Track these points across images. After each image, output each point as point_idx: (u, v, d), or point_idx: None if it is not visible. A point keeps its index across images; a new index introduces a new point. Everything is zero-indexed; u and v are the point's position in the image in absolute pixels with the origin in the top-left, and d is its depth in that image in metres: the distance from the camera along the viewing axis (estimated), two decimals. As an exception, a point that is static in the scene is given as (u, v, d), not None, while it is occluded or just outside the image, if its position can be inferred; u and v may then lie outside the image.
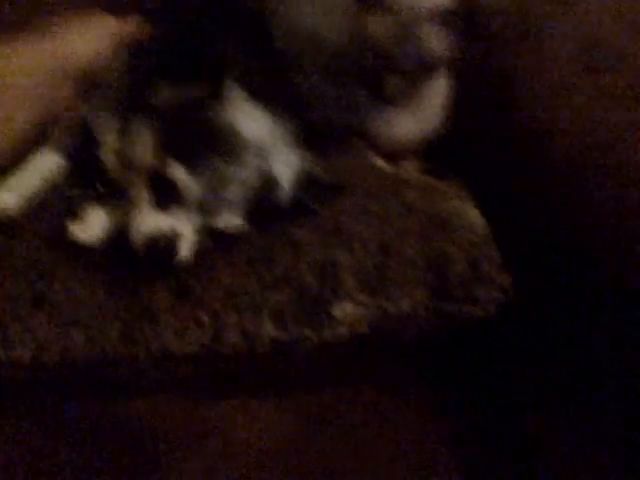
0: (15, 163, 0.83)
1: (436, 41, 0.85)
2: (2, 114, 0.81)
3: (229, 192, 0.72)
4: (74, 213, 0.79)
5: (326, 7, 0.93)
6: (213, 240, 0.76)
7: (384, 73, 0.87)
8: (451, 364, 0.84)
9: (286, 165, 0.78)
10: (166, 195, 0.72)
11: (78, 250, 0.78)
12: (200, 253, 0.75)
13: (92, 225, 0.79)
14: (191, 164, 0.71)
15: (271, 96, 0.80)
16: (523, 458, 0.78)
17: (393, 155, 0.98)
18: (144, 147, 0.75)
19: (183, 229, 0.73)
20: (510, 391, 0.82)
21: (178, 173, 0.71)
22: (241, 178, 0.73)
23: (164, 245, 0.72)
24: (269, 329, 0.74)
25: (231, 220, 0.75)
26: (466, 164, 0.91)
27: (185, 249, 0.74)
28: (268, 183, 0.75)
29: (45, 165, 0.86)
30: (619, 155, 0.71)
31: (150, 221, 0.73)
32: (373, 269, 0.75)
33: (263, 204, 0.76)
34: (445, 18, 0.85)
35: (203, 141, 0.73)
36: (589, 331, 0.74)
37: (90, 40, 0.88)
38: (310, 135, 0.82)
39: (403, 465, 0.79)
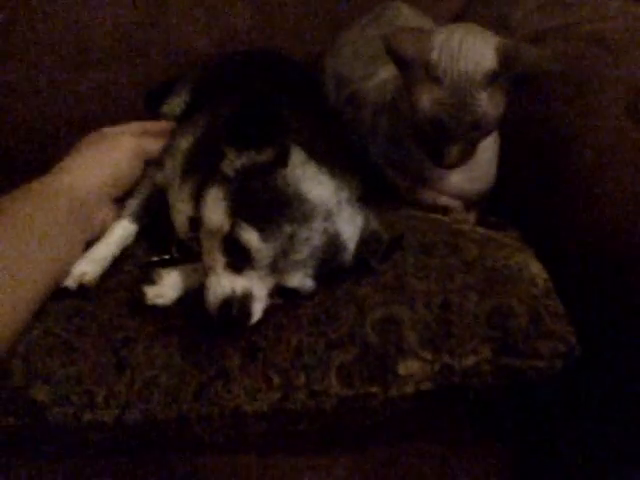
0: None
1: (488, 105, 0.85)
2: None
3: (299, 254, 0.75)
4: (150, 278, 0.84)
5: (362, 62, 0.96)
6: (285, 300, 0.80)
7: (444, 143, 0.88)
8: (518, 419, 0.84)
9: (351, 225, 0.81)
10: (240, 258, 0.76)
11: (156, 314, 0.83)
12: (268, 314, 0.79)
13: (167, 289, 0.84)
14: (262, 228, 0.74)
15: (331, 157, 0.84)
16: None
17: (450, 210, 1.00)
18: (218, 213, 0.78)
19: (256, 291, 0.76)
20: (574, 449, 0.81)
21: (251, 237, 0.74)
22: (310, 241, 0.76)
23: (239, 307, 0.75)
24: (336, 387, 0.76)
25: (302, 281, 0.77)
26: (525, 217, 0.92)
27: (258, 310, 0.77)
28: (335, 244, 0.78)
29: (121, 234, 0.92)
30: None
31: (225, 284, 0.76)
32: (435, 325, 0.77)
33: (331, 264, 0.79)
34: (493, 81, 0.85)
35: (272, 206, 0.76)
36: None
37: (101, 162, 0.92)
38: (369, 193, 0.85)
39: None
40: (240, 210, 0.76)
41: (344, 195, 0.81)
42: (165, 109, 1.21)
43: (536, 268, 0.82)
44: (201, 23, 1.32)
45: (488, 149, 0.98)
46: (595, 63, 0.96)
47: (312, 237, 0.76)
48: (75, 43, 1.27)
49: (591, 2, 1.15)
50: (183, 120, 1.04)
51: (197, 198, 0.84)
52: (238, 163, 0.79)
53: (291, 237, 0.75)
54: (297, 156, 0.80)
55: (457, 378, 0.76)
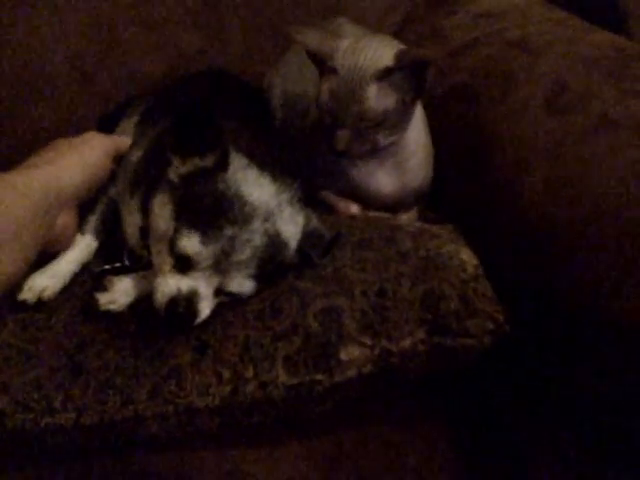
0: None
1: (375, 98, 0.92)
2: None
3: (241, 255, 0.79)
4: (102, 286, 0.88)
5: (307, 77, 1.03)
6: (230, 298, 0.84)
7: (334, 129, 0.96)
8: (460, 397, 0.88)
9: (292, 225, 0.85)
10: (184, 261, 0.80)
11: (108, 320, 0.87)
12: (215, 312, 0.83)
13: (119, 296, 0.88)
14: (204, 232, 0.78)
15: (272, 162, 0.88)
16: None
17: (388, 208, 1.06)
18: (164, 217, 0.82)
19: (202, 290, 0.80)
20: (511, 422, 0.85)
21: (190, 243, 0.78)
22: (251, 242, 0.80)
23: (185, 305, 0.79)
24: (283, 377, 0.80)
25: (244, 283, 0.82)
26: (457, 210, 0.98)
27: (205, 308, 0.81)
28: (277, 244, 0.83)
29: (85, 250, 0.95)
30: (585, 187, 0.76)
31: (171, 284, 0.80)
32: (373, 312, 0.82)
33: (273, 263, 0.83)
34: (385, 77, 0.92)
35: (214, 209, 0.80)
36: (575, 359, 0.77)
37: (81, 163, 0.91)
38: (307, 194, 0.90)
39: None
40: (182, 215, 0.80)
41: (284, 196, 0.85)
42: (118, 132, 1.25)
43: (466, 255, 0.86)
44: (151, 48, 1.36)
45: (416, 154, 1.05)
46: (518, 64, 1.03)
47: (253, 238, 0.80)
48: (28, 73, 1.30)
49: (516, 11, 1.23)
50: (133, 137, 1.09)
51: (145, 207, 0.89)
52: (182, 169, 0.83)
53: (232, 239, 0.79)
54: (238, 161, 0.84)
55: (396, 359, 0.80)
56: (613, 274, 0.70)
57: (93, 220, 0.98)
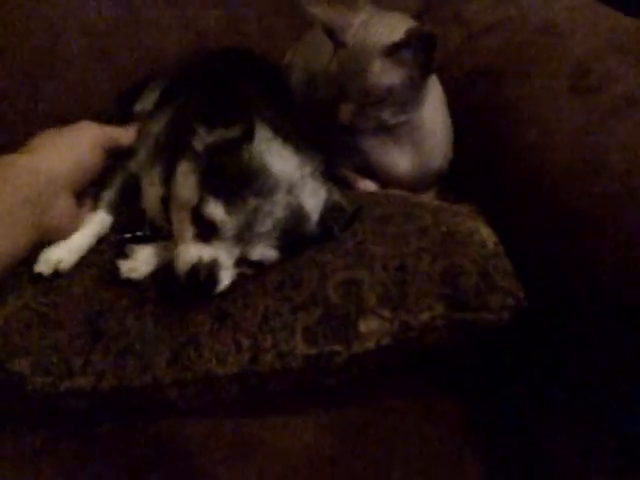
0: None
1: (379, 74, 0.94)
2: None
3: (263, 226, 0.80)
4: (124, 254, 0.89)
5: (327, 56, 1.03)
6: (251, 268, 0.85)
7: (339, 101, 0.97)
8: (478, 374, 0.89)
9: (314, 198, 0.86)
10: (207, 229, 0.81)
11: (130, 287, 0.87)
12: (236, 281, 0.84)
13: (141, 263, 0.89)
14: (228, 201, 0.79)
15: (295, 136, 0.89)
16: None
17: (407, 188, 1.06)
18: (188, 186, 0.83)
19: (223, 259, 0.81)
20: (529, 400, 0.86)
21: (216, 210, 0.79)
22: (273, 213, 0.80)
23: (206, 273, 0.80)
24: (301, 347, 0.81)
25: (266, 252, 0.82)
26: (477, 191, 0.98)
27: (225, 277, 0.82)
28: (299, 216, 0.83)
29: (99, 225, 0.95)
30: (609, 166, 0.77)
31: (193, 252, 0.81)
32: (393, 286, 0.82)
33: (294, 235, 0.84)
34: (392, 54, 0.93)
35: (238, 180, 0.81)
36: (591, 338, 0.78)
37: (71, 148, 0.89)
38: (328, 170, 0.91)
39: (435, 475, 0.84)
40: (208, 184, 0.81)
41: (307, 170, 0.86)
42: (137, 108, 1.25)
43: (486, 233, 0.87)
44: (171, 25, 1.37)
45: (433, 134, 1.06)
46: (542, 48, 1.03)
47: (275, 210, 0.81)
48: (47, 43, 1.30)
49: (538, -5, 1.23)
50: (154, 110, 1.09)
51: (168, 177, 0.89)
52: (208, 139, 0.84)
53: (255, 210, 0.79)
54: (263, 133, 0.85)
55: (414, 333, 0.81)
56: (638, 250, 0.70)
57: (107, 195, 0.98)
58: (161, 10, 1.36)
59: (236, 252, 0.81)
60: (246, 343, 0.82)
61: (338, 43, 0.97)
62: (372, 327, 0.81)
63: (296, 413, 0.87)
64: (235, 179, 0.81)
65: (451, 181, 1.11)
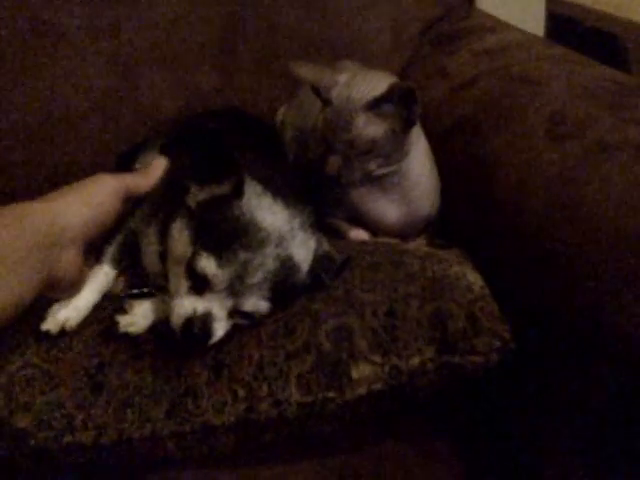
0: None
1: (364, 127, 0.98)
2: None
3: (254, 278, 0.83)
4: (123, 309, 0.92)
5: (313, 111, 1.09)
6: (245, 319, 0.87)
7: (326, 155, 1.02)
8: (471, 414, 0.90)
9: (304, 249, 0.88)
10: (200, 283, 0.83)
11: (128, 342, 0.90)
12: (231, 333, 0.86)
13: (139, 318, 0.91)
14: (220, 255, 0.82)
15: (284, 190, 0.92)
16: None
17: (397, 236, 1.10)
18: (182, 242, 0.86)
19: (216, 311, 0.84)
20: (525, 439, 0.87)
21: (208, 264, 0.82)
22: (263, 266, 0.83)
23: (200, 325, 0.83)
24: (296, 395, 0.83)
25: (258, 303, 0.85)
26: (464, 236, 1.01)
27: (219, 329, 0.84)
28: (289, 267, 0.86)
29: (104, 280, 0.98)
30: (583, 208, 0.80)
31: (187, 305, 0.84)
32: (383, 331, 0.84)
33: (285, 286, 0.86)
34: (374, 107, 0.98)
35: (229, 234, 0.83)
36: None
37: (87, 201, 0.88)
38: (318, 221, 0.94)
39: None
40: (200, 239, 0.84)
41: (296, 222, 0.89)
42: (137, 166, 1.30)
43: (472, 277, 0.90)
44: (169, 86, 1.42)
45: (420, 184, 1.10)
46: (519, 96, 1.07)
47: (265, 262, 0.83)
48: (52, 113, 1.36)
49: (517, 48, 1.29)
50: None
51: (163, 234, 0.93)
52: (200, 196, 0.88)
53: (245, 263, 0.82)
54: (252, 188, 0.88)
55: (405, 377, 0.83)
56: (613, 290, 0.73)
57: (110, 250, 1.01)
58: (159, 72, 1.41)
59: (229, 304, 0.84)
60: (242, 393, 0.84)
61: (324, 101, 1.02)
62: (364, 373, 0.83)
63: (292, 461, 0.89)
64: (226, 234, 0.84)
65: (440, 228, 1.14)
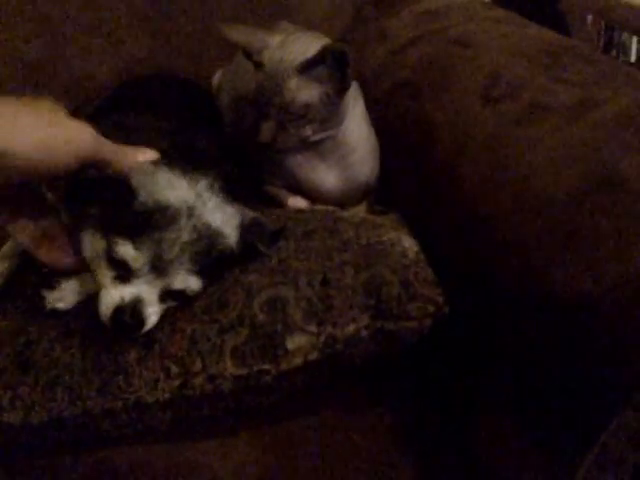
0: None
1: (297, 91, 0.96)
2: None
3: (172, 253, 0.80)
4: (50, 284, 0.88)
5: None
6: (177, 300, 0.84)
7: (259, 121, 0.99)
8: (403, 381, 0.90)
9: (220, 213, 0.85)
10: (123, 270, 0.81)
11: (56, 317, 0.87)
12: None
13: (67, 293, 0.88)
14: (133, 239, 0.79)
15: (185, 160, 0.87)
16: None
17: (337, 203, 1.08)
18: (97, 242, 0.83)
19: (146, 295, 0.81)
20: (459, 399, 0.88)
21: (125, 249, 0.79)
22: (179, 239, 0.80)
23: (130, 312, 0.80)
24: (231, 368, 0.81)
25: (187, 279, 0.82)
26: (402, 201, 1.00)
27: (152, 314, 0.82)
28: (209, 235, 0.83)
29: (18, 247, 0.94)
30: (517, 170, 0.80)
31: (114, 294, 0.81)
32: (318, 301, 0.83)
33: (210, 255, 0.83)
34: (307, 70, 0.95)
35: (138, 220, 0.80)
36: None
37: (46, 141, 0.73)
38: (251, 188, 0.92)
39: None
40: (111, 231, 0.81)
41: (203, 187, 0.85)
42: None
43: (408, 242, 0.89)
44: (101, 53, 1.37)
45: (357, 149, 1.08)
46: (457, 60, 1.06)
47: (181, 235, 0.81)
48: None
49: (457, 10, 1.27)
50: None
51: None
52: (96, 206, 0.83)
53: (160, 240, 0.80)
54: (142, 175, 0.83)
55: (341, 346, 0.82)
56: (543, 250, 0.73)
57: None
58: (87, 37, 1.36)
59: (157, 285, 0.81)
60: (175, 368, 0.82)
61: (256, 64, 0.99)
62: (299, 343, 0.82)
63: (228, 434, 0.87)
64: (134, 220, 0.81)
65: (380, 194, 1.13)
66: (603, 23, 1.78)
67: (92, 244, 0.84)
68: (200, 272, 0.82)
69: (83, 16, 1.37)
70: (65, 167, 0.74)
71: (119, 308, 0.80)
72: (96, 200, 0.83)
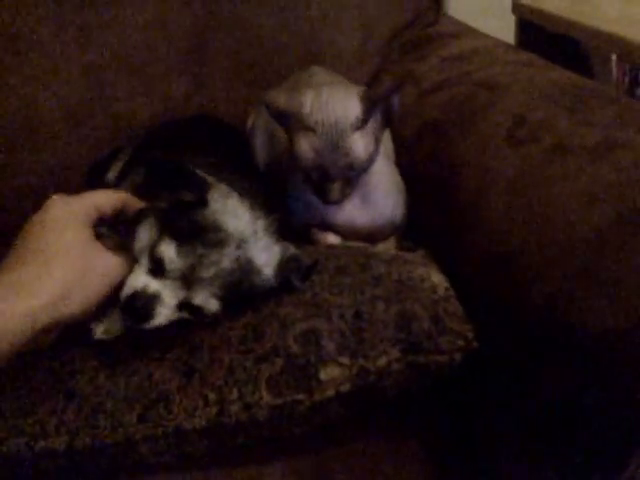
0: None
1: (359, 147, 0.97)
2: None
3: (207, 273, 0.84)
4: (97, 317, 0.92)
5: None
6: (194, 315, 0.87)
7: (326, 183, 1.00)
8: (434, 412, 0.92)
9: (267, 253, 0.90)
10: (158, 266, 0.85)
11: (101, 347, 0.91)
12: (200, 338, 0.88)
13: (112, 325, 0.92)
14: (180, 244, 0.84)
15: (251, 195, 0.94)
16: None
17: (366, 240, 1.12)
18: (149, 234, 0.87)
19: (166, 296, 0.85)
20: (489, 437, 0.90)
21: (167, 249, 0.84)
22: (219, 263, 0.85)
23: (144, 302, 0.84)
24: (266, 398, 0.85)
25: (208, 300, 0.85)
26: (430, 239, 1.04)
27: (162, 314, 0.85)
28: (247, 270, 0.87)
29: None
30: (540, 210, 0.83)
31: (141, 279, 0.85)
32: (350, 333, 0.86)
33: (240, 288, 0.87)
34: (361, 126, 0.97)
35: (193, 231, 0.85)
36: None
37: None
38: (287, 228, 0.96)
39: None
40: (165, 230, 0.86)
41: (260, 226, 0.91)
42: (109, 176, 1.31)
43: (437, 278, 0.92)
44: (140, 93, 1.43)
45: (380, 184, 1.11)
46: (483, 101, 1.10)
47: (221, 260, 0.85)
48: (22, 120, 1.36)
49: (482, 54, 1.32)
50: (119, 179, 1.15)
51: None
52: (168, 199, 0.89)
53: (202, 257, 0.84)
54: (219, 192, 0.90)
55: (372, 378, 0.85)
56: (567, 288, 0.76)
57: None
58: (127, 79, 1.42)
59: (180, 294, 0.85)
60: (213, 396, 0.86)
61: (300, 128, 0.99)
62: (332, 374, 0.85)
63: (264, 463, 0.90)
64: (190, 230, 0.86)
65: (409, 231, 1.17)
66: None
67: (145, 235, 0.88)
68: (224, 298, 0.86)
69: (124, 58, 1.42)
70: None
71: (137, 293, 0.84)
72: (170, 194, 0.89)
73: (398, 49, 1.50)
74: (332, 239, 1.12)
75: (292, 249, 0.93)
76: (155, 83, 1.43)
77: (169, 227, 0.86)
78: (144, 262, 0.87)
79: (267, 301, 0.91)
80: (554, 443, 0.81)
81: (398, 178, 1.16)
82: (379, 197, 1.11)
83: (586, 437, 0.79)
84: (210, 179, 0.92)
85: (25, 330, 0.73)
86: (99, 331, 0.91)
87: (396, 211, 1.15)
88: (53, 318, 0.76)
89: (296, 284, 0.92)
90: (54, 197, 0.85)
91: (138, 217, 0.91)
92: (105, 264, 0.83)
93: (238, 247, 0.87)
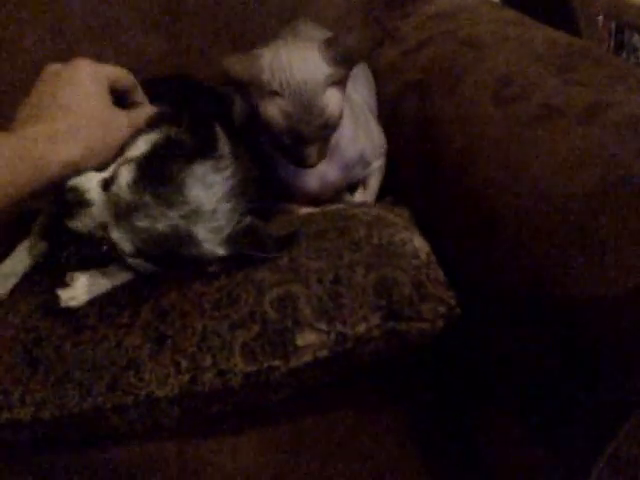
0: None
1: (331, 104, 0.92)
2: None
3: (140, 222, 0.80)
4: (64, 282, 0.89)
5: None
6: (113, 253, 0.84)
7: (302, 147, 0.94)
8: (414, 382, 0.90)
9: (214, 233, 0.85)
10: (110, 181, 0.82)
11: (66, 314, 0.87)
12: (170, 302, 0.85)
13: (79, 291, 0.88)
14: (137, 180, 0.81)
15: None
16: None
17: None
18: (138, 149, 0.85)
19: (95, 210, 0.82)
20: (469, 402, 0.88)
21: (125, 174, 0.81)
22: (155, 221, 0.81)
23: (74, 201, 0.81)
24: (240, 364, 0.81)
25: (125, 242, 0.81)
26: (413, 203, 1.00)
27: (82, 223, 0.82)
28: (184, 240, 0.83)
29: (32, 250, 0.97)
30: (527, 171, 0.80)
31: (89, 182, 0.82)
32: (328, 299, 0.83)
33: (175, 254, 0.83)
34: (330, 82, 0.91)
35: (158, 178, 0.82)
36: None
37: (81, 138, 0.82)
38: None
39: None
40: (144, 160, 0.83)
41: (225, 208, 0.86)
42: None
43: (419, 243, 0.89)
44: (113, 54, 1.37)
45: (344, 133, 1.03)
46: (467, 61, 1.05)
47: (159, 220, 0.81)
48: None
49: (467, 11, 1.27)
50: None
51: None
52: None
53: (145, 205, 0.80)
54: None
55: (351, 344, 0.82)
56: (558, 250, 0.73)
57: (40, 221, 0.99)
58: (98, 39, 1.36)
59: (105, 217, 0.82)
60: (185, 363, 0.82)
61: (263, 94, 0.92)
62: (309, 340, 0.82)
63: (239, 433, 0.88)
64: (157, 176, 0.82)
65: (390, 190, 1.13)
66: (614, 24, 1.77)
67: (135, 150, 0.85)
68: (144, 252, 0.82)
69: (95, 18, 1.36)
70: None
71: (75, 190, 0.81)
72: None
73: (382, 5, 1.45)
74: (310, 209, 1.07)
75: (249, 219, 0.88)
76: (129, 42, 1.37)
77: (150, 159, 0.83)
78: (109, 170, 0.83)
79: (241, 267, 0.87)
80: (540, 416, 0.80)
81: (363, 116, 1.08)
82: (346, 142, 1.04)
83: (573, 409, 0.77)
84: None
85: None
86: (66, 297, 0.88)
87: (365, 145, 1.08)
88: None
89: (258, 255, 0.87)
90: (82, 60, 0.89)
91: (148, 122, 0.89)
92: (119, 127, 0.87)
93: (184, 217, 0.82)
